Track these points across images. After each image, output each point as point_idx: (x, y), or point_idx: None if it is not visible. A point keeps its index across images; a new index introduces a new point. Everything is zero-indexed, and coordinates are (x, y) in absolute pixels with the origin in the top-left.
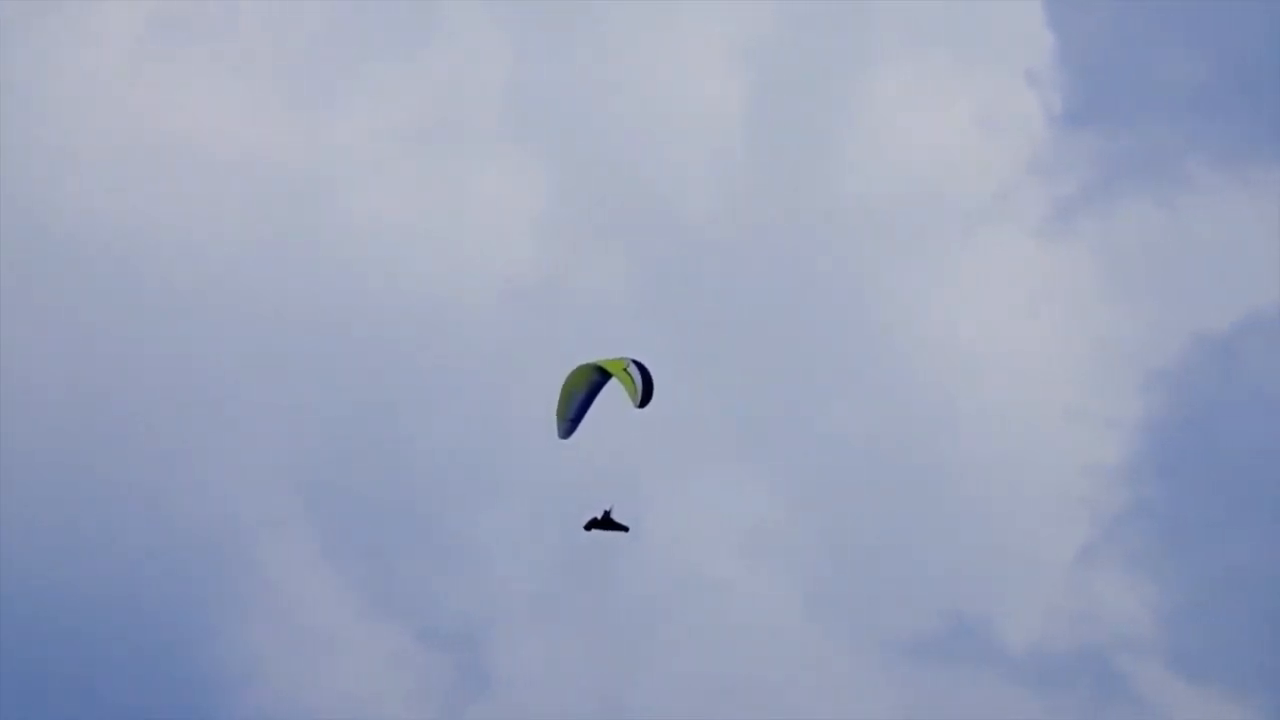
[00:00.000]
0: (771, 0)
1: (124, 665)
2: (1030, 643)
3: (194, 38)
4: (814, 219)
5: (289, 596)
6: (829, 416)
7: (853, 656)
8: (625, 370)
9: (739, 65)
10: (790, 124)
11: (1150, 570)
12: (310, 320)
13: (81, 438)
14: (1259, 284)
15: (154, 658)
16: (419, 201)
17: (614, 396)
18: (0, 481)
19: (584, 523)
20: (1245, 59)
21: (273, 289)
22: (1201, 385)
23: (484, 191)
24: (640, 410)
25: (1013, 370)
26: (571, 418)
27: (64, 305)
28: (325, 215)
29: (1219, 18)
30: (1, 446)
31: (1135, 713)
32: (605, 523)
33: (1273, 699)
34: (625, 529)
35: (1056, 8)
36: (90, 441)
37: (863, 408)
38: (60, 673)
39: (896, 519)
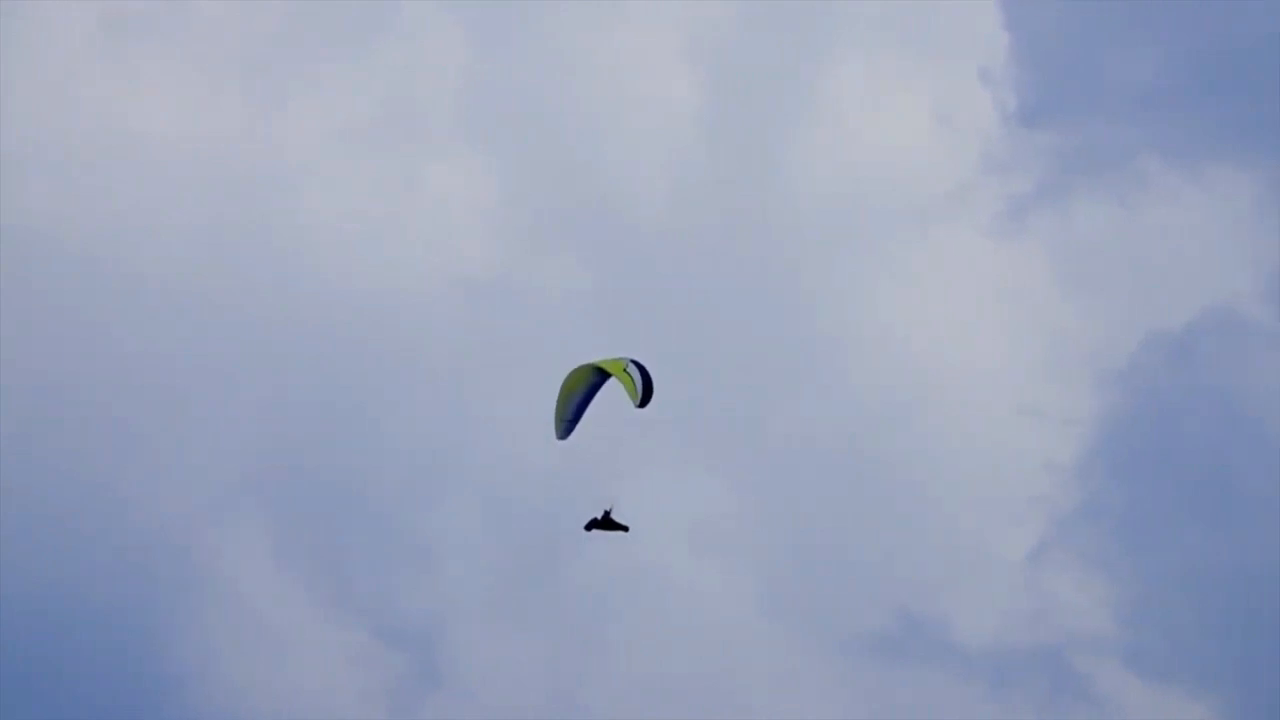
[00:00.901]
0: None
1: (79, 664)
2: (986, 640)
3: (148, 35)
4: (768, 217)
5: (244, 595)
6: (784, 414)
7: (807, 654)
8: (625, 370)
9: (693, 63)
10: (744, 122)
11: (1105, 567)
12: (264, 317)
13: (35, 434)
14: (1213, 282)
15: (109, 656)
16: (373, 198)
17: (611, 397)
18: None
19: (584, 524)
20: (1199, 58)
21: (227, 285)
22: (1156, 383)
23: (438, 188)
24: (641, 410)
25: (968, 368)
26: (569, 418)
27: (17, 301)
28: (279, 211)
29: (1172, 17)
30: None
31: (1091, 710)
32: (605, 523)
33: (1228, 695)
34: (625, 529)
35: (1011, 7)
36: (44, 438)
37: (817, 405)
38: (13, 672)
39: (851, 516)
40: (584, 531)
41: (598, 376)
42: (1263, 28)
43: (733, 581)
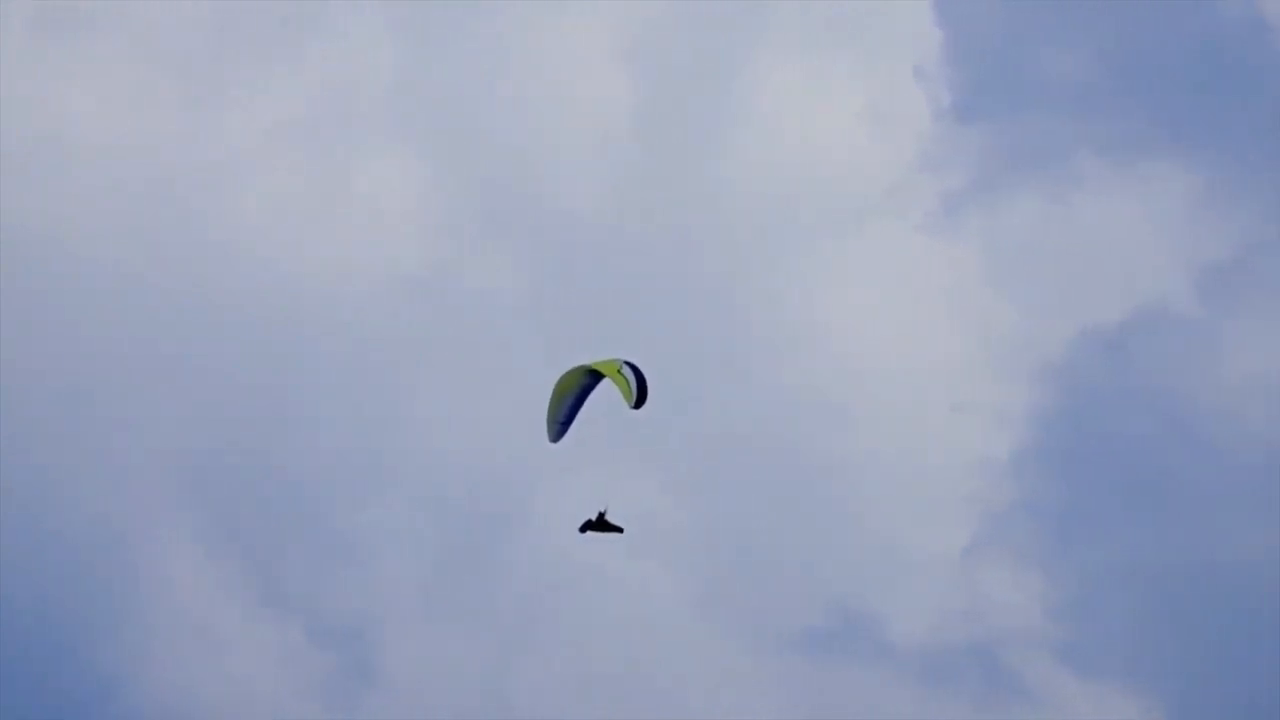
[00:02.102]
0: None
1: (9, 664)
2: (919, 637)
3: (79, 34)
4: (702, 215)
5: (176, 593)
6: (717, 411)
7: (742, 651)
8: (619, 372)
9: (627, 61)
10: (678, 120)
11: (1039, 564)
12: (196, 315)
13: None
14: (1145, 278)
15: (40, 656)
16: (306, 196)
17: (605, 398)
18: None
19: (579, 525)
20: (1131, 54)
21: (158, 283)
22: (1089, 379)
23: (371, 186)
24: (636, 411)
25: (901, 365)
26: (562, 420)
27: None
28: (211, 210)
29: (1105, 14)
30: None
31: (1025, 707)
32: (600, 524)
33: (1162, 691)
34: (620, 530)
35: (944, 4)
36: None
37: (751, 402)
38: None
39: (786, 514)
40: (579, 533)
41: (590, 378)
42: (1194, 24)
43: (667, 579)
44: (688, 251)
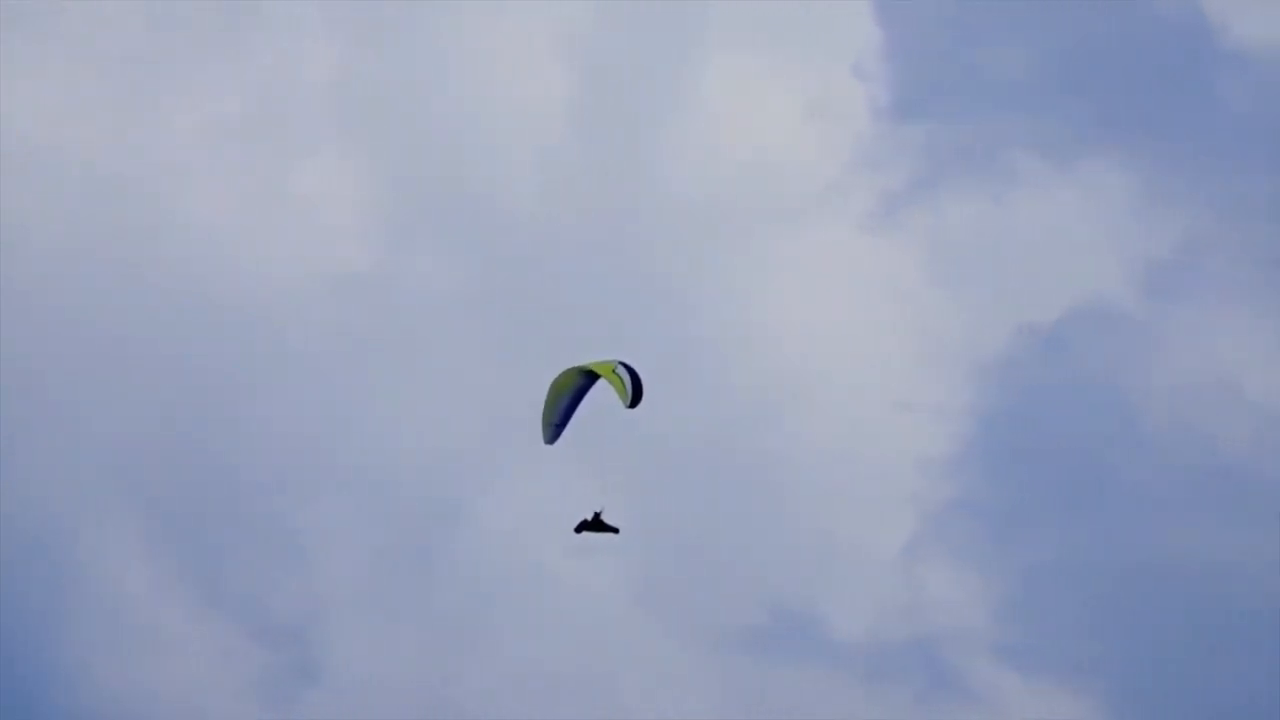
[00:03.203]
0: None
1: None
2: (859, 635)
3: (13, 34)
4: (640, 213)
5: (115, 593)
6: (656, 409)
7: (682, 649)
8: (614, 372)
9: (564, 58)
10: (616, 117)
11: (978, 561)
12: (135, 315)
13: None
14: (1084, 276)
15: None
16: (243, 195)
17: (601, 398)
18: None
19: (575, 525)
20: (1069, 52)
21: (98, 284)
22: (1028, 377)
23: (308, 185)
24: (631, 410)
25: (840, 363)
26: (557, 422)
27: None
28: (150, 210)
29: (1044, 13)
30: None
31: (965, 704)
32: (595, 524)
33: (1102, 688)
34: (616, 530)
35: (884, 2)
36: None
37: (690, 400)
38: None
39: (725, 511)
40: (574, 533)
41: (585, 379)
42: (1133, 22)
43: (606, 575)
44: (627, 249)
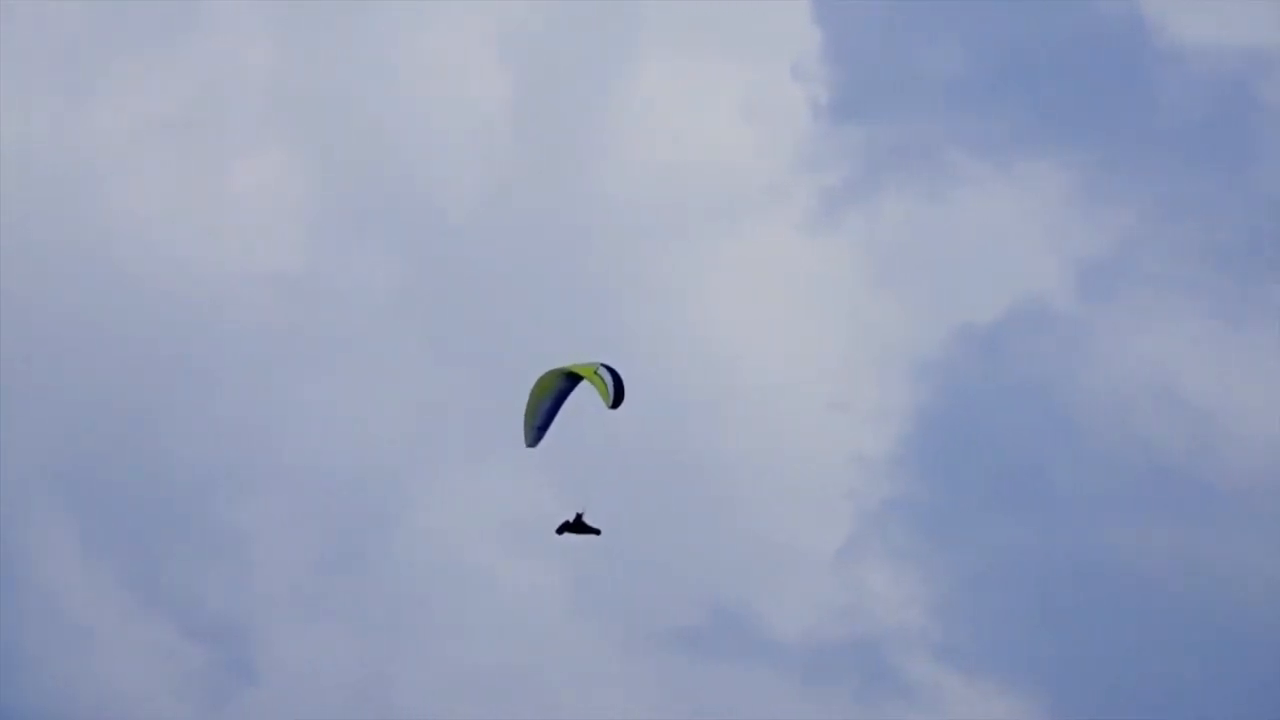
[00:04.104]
0: None
1: None
2: (797, 634)
3: None
4: (579, 214)
5: (51, 590)
6: (593, 408)
7: (618, 649)
8: (596, 373)
9: (504, 58)
10: (554, 118)
11: (916, 561)
12: (72, 311)
13: None
14: (1023, 275)
15: None
16: (182, 193)
17: (583, 400)
18: None
19: (556, 526)
20: (1007, 52)
21: (33, 280)
22: (966, 377)
23: (247, 183)
24: (613, 411)
25: (779, 363)
26: (539, 425)
27: None
28: (87, 207)
29: (982, 12)
30: None
31: (903, 704)
32: (578, 526)
33: (1040, 687)
34: (598, 532)
35: (822, 3)
36: None
37: (628, 401)
38: None
39: (662, 510)
40: (556, 534)
41: (567, 381)
42: (1070, 21)
43: (543, 578)
44: (565, 250)
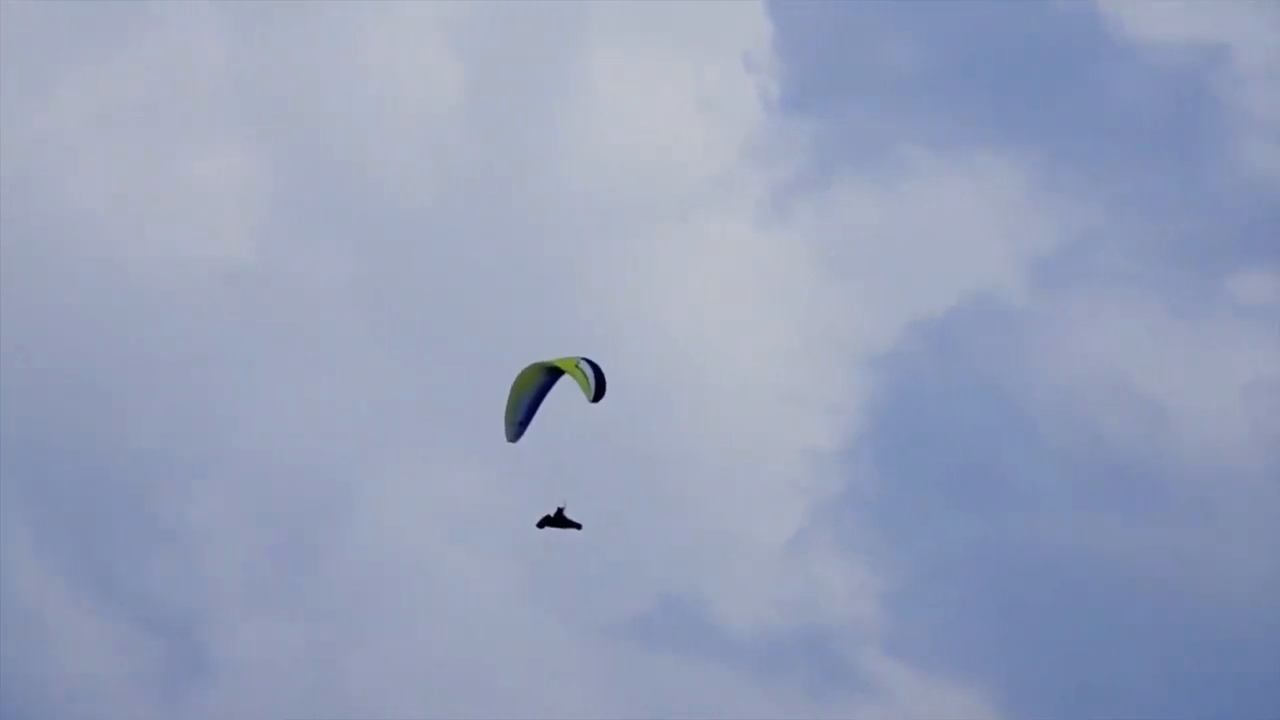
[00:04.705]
0: None
1: None
2: (748, 626)
3: None
4: (531, 206)
5: (1, 587)
6: (544, 400)
7: (569, 641)
8: (577, 366)
9: (456, 51)
10: (507, 111)
11: (867, 554)
12: (21, 302)
13: None
14: (975, 268)
15: None
16: (135, 185)
17: (564, 394)
18: None
19: (537, 521)
20: (960, 45)
21: None
22: (918, 369)
23: (200, 176)
24: (594, 405)
25: (730, 355)
26: (520, 420)
27: None
28: (40, 198)
29: (934, 6)
30: None
31: (855, 696)
32: (558, 520)
33: (992, 680)
34: (578, 526)
35: None
36: None
37: (565, 390)
38: None
39: (612, 504)
40: (535, 528)
41: (548, 376)
42: (1023, 15)
43: (493, 569)
44: (517, 242)
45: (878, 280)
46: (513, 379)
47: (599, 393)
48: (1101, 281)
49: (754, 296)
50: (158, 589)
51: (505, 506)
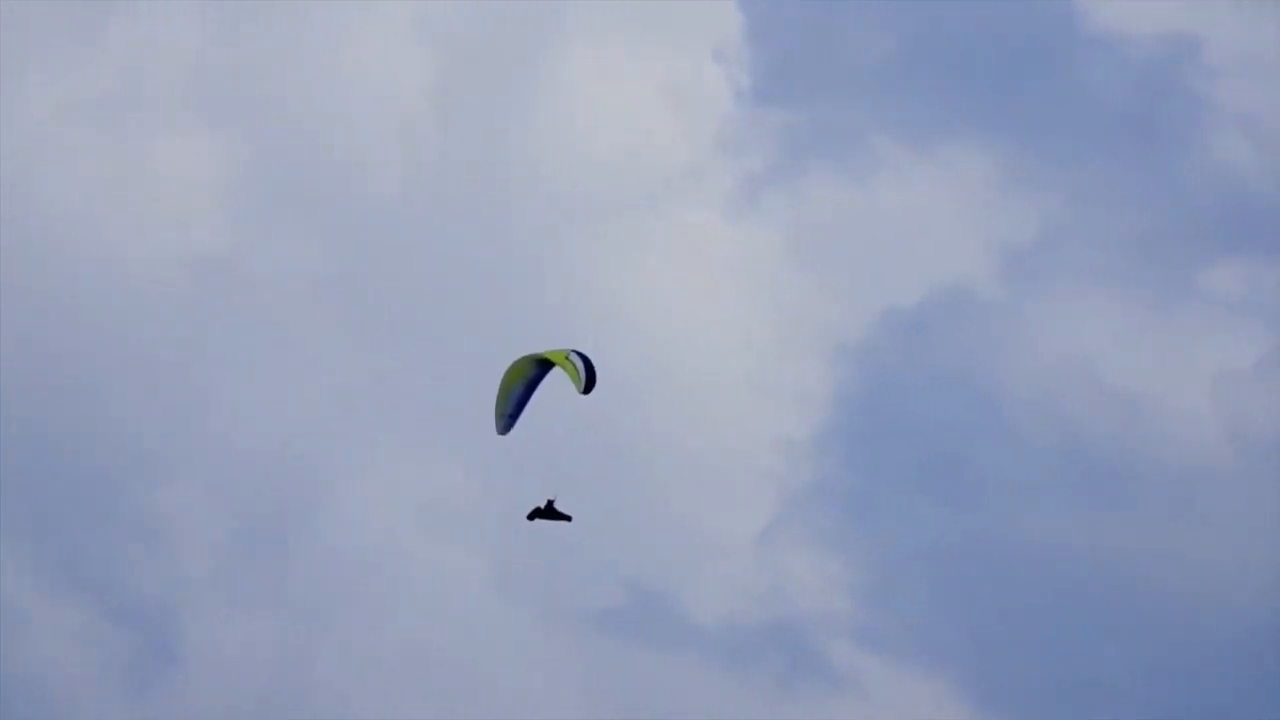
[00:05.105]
0: None
1: None
2: (718, 617)
3: None
4: (502, 197)
5: None
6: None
7: (540, 632)
8: (567, 359)
9: (426, 42)
10: (478, 102)
11: (839, 544)
12: None
13: None
14: (946, 260)
15: None
16: (104, 174)
17: (554, 386)
18: None
19: (528, 513)
20: (931, 37)
21: None
22: (889, 360)
23: (169, 165)
24: (584, 396)
25: (701, 346)
26: (510, 413)
27: None
28: (7, 188)
29: None
30: None
31: (825, 687)
32: (548, 512)
33: (963, 670)
34: (568, 519)
35: None
36: None
37: (551, 383)
38: None
39: (584, 494)
40: (526, 520)
41: (539, 369)
42: (993, 7)
43: (464, 560)
44: (487, 234)
45: (848, 271)
46: (501, 371)
47: (589, 384)
48: (1072, 273)
49: (725, 288)
50: (127, 579)
51: (476, 498)
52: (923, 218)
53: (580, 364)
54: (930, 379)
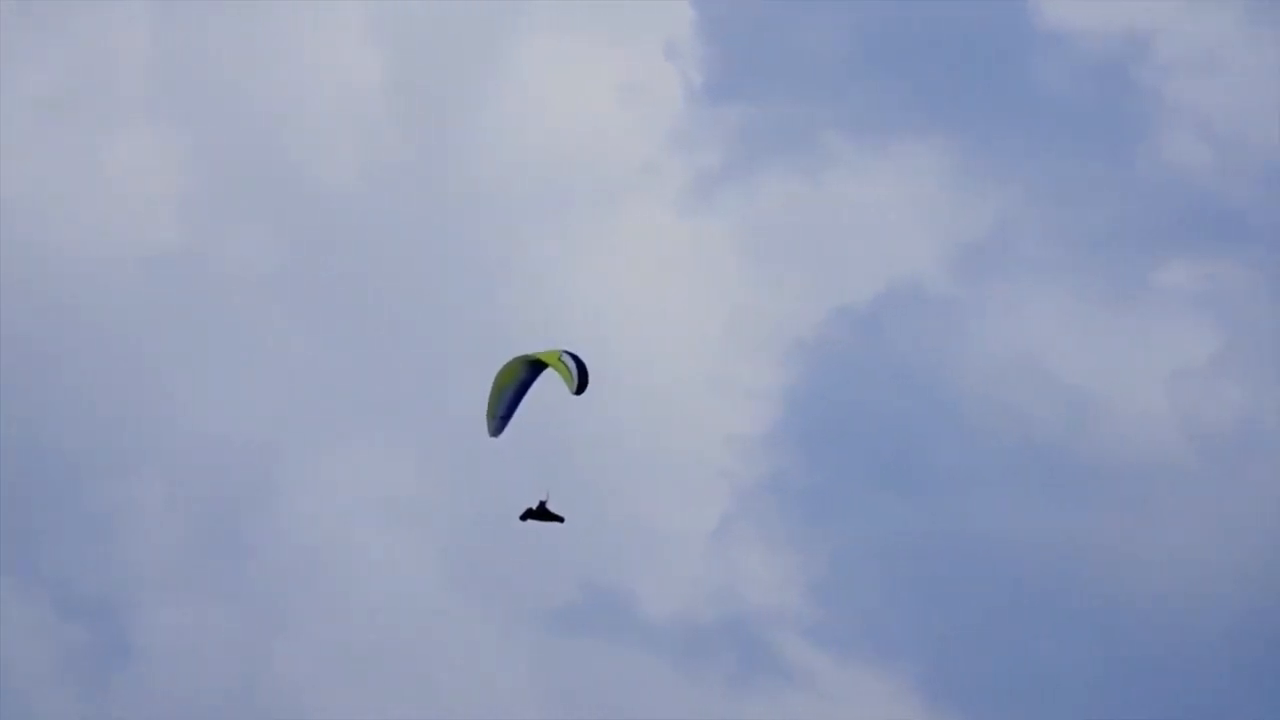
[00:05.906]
0: None
1: None
2: (672, 614)
3: None
4: (455, 193)
5: None
6: (469, 388)
7: (494, 628)
8: (560, 360)
9: (378, 37)
10: (431, 97)
11: (791, 541)
12: None
13: None
14: (899, 257)
15: None
16: (58, 171)
17: (546, 387)
18: None
19: (520, 514)
20: (882, 33)
21: None
22: (842, 357)
23: (124, 162)
24: (577, 397)
25: (654, 341)
26: (502, 415)
27: None
28: None
29: None
30: None
31: (778, 684)
32: (540, 513)
33: (915, 667)
34: (560, 519)
35: None
36: None
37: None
38: None
39: (536, 490)
40: (519, 521)
41: (531, 370)
42: (946, 3)
43: (419, 556)
44: (441, 228)
45: (801, 267)
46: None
47: (582, 385)
48: (1026, 269)
49: (678, 283)
50: (80, 573)
51: (432, 494)
52: (876, 214)
53: (573, 365)
54: (884, 375)
